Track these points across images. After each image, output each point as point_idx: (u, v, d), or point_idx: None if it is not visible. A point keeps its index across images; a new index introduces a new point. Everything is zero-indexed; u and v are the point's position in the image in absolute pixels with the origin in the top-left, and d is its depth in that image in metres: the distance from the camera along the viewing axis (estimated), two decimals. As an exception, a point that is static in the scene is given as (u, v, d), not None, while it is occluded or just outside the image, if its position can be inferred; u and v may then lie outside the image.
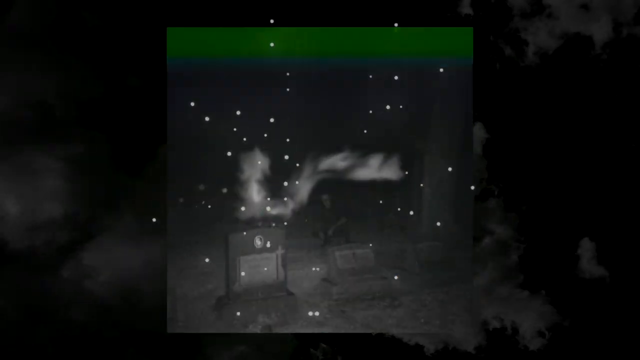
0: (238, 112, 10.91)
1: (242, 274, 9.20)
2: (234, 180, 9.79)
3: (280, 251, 9.40)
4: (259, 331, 8.80)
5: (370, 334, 9.05)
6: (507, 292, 9.35)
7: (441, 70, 13.61)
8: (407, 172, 12.74)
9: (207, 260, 10.67)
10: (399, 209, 15.37)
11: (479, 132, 9.32)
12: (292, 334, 9.24)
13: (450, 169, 13.87)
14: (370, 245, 10.97)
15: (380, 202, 15.28)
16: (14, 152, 9.11)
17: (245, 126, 10.86)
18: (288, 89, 13.08)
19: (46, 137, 9.23)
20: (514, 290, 9.34)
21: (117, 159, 9.56)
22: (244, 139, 10.38)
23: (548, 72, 9.13)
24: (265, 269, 9.31)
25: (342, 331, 8.97)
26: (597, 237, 9.11)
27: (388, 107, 12.05)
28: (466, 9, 9.29)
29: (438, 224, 13.85)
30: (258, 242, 9.34)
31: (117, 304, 9.22)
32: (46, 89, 9.29)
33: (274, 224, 9.86)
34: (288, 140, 11.63)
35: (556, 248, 9.25)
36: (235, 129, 10.92)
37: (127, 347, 9.21)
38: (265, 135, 10.90)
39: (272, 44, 11.79)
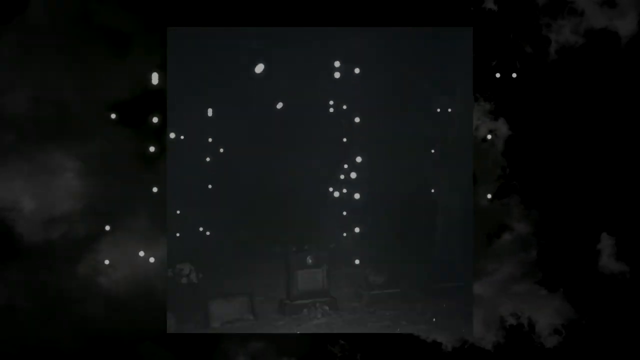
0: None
1: (299, 282, 12.70)
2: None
3: (325, 267, 12.87)
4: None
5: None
6: (524, 289, 9.34)
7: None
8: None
9: None
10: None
11: (502, 127, 9.31)
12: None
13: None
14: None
15: None
16: (32, 150, 9.05)
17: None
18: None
19: (64, 135, 9.17)
20: (532, 287, 9.34)
21: (136, 157, 9.51)
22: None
23: (572, 69, 9.15)
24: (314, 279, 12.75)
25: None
26: (616, 231, 9.10)
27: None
28: (489, 4, 9.20)
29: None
30: (309, 261, 12.72)
31: (132, 301, 9.17)
32: (65, 87, 9.22)
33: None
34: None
35: (575, 244, 9.24)
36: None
37: (143, 344, 9.11)
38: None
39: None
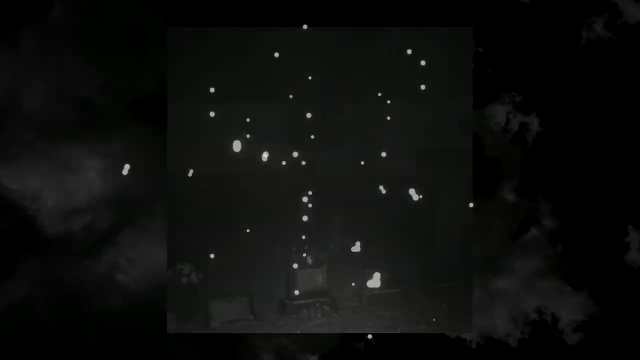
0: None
1: (299, 282, 12.88)
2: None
3: (325, 267, 13.10)
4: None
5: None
6: (549, 284, 9.38)
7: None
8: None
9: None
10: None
11: (533, 122, 9.34)
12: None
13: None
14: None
15: None
16: (54, 148, 9.05)
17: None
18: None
19: (87, 133, 9.18)
20: (557, 283, 9.38)
21: (156, 157, 9.56)
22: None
23: (603, 64, 9.23)
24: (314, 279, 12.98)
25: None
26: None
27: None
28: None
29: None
30: (309, 261, 12.94)
31: (151, 298, 9.07)
32: (87, 84, 9.21)
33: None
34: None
35: (602, 238, 9.30)
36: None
37: (164, 340, 8.99)
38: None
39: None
